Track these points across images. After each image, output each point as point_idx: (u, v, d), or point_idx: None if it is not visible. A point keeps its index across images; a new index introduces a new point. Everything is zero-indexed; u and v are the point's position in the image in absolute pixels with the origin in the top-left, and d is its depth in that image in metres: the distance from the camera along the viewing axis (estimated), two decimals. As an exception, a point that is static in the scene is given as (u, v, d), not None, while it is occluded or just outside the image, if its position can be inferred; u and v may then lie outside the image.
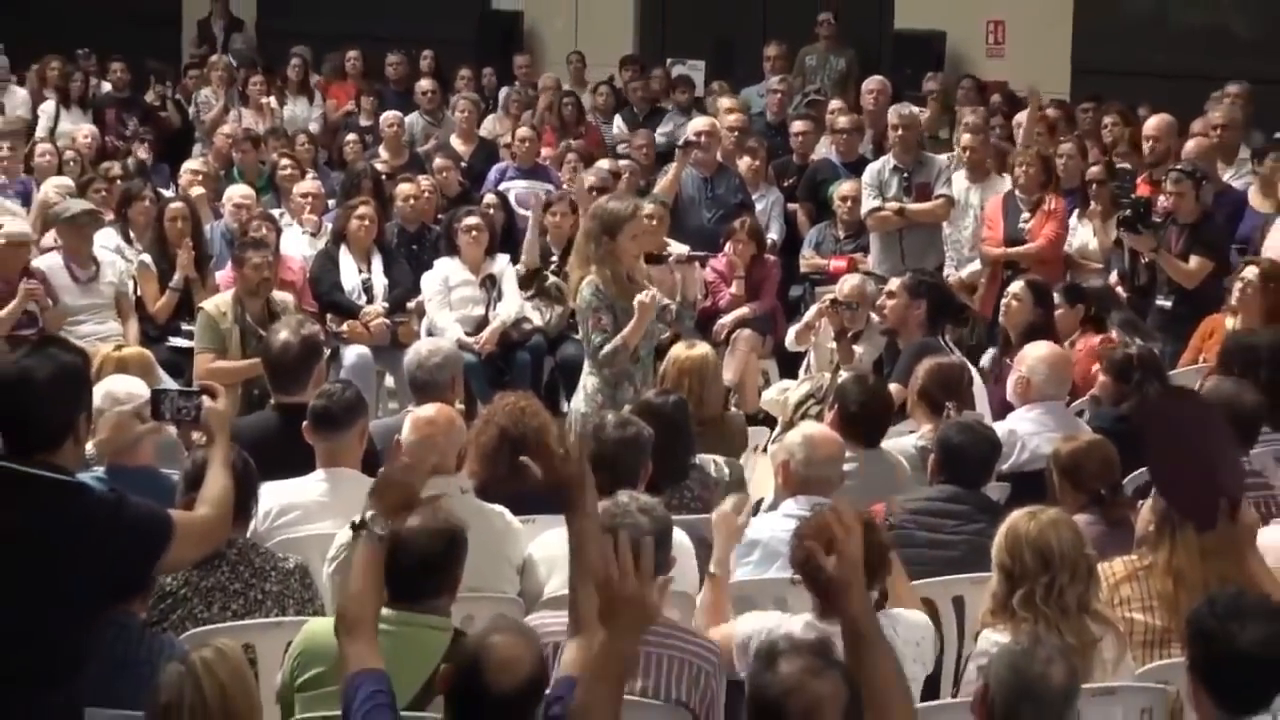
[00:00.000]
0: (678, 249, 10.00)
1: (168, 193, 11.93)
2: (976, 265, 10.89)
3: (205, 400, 5.11)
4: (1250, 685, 4.38)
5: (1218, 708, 4.38)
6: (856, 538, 4.14)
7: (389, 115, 14.34)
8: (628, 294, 8.07)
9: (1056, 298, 8.95)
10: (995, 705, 4.23)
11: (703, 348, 7.81)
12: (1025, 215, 10.52)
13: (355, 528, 4.54)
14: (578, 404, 8.23)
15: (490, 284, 11.00)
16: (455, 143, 14.29)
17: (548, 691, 4.20)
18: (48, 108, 16.07)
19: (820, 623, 5.12)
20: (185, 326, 10.02)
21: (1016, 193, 10.63)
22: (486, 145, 14.38)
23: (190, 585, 5.45)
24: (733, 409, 9.61)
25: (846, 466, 6.52)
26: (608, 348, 7.97)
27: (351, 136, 14.19)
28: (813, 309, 9.73)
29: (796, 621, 5.21)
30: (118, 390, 6.35)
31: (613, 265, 8.15)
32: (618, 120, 15.24)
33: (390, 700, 4.19)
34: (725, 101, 14.01)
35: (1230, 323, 8.81)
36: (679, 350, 7.74)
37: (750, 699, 3.88)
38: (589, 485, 4.55)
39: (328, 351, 8.63)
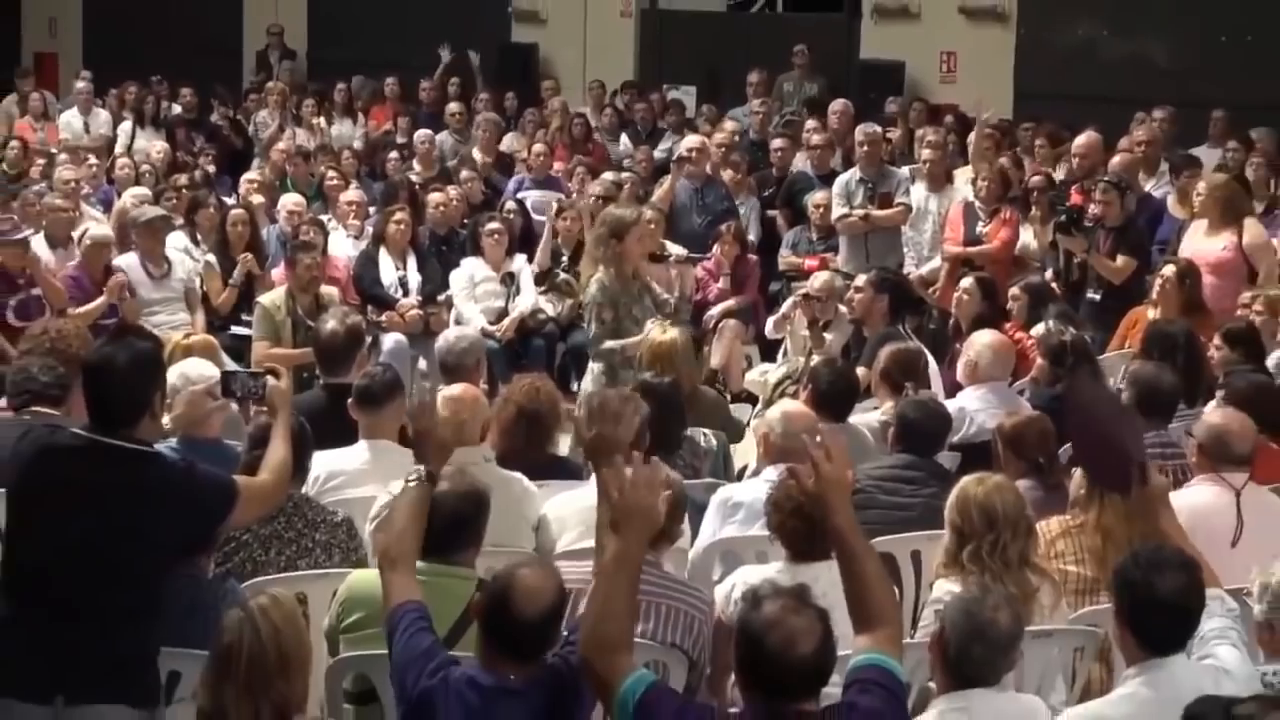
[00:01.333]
0: (676, 251, 10.03)
1: (230, 201, 11.92)
2: (934, 264, 10.91)
3: (269, 380, 5.12)
4: (1168, 628, 4.39)
5: (1140, 647, 4.39)
6: (838, 463, 4.23)
7: (421, 134, 14.34)
8: (631, 290, 8.10)
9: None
10: (949, 645, 4.24)
11: (673, 332, 7.74)
12: (982, 221, 10.53)
13: (408, 481, 4.56)
14: (586, 384, 8.26)
15: (510, 280, 11.02)
16: (477, 156, 14.30)
17: (566, 629, 4.21)
18: (126, 127, 16.07)
19: (793, 566, 5.14)
20: (245, 317, 10.03)
21: (976, 202, 10.65)
22: (505, 159, 14.37)
23: (251, 532, 5.47)
24: (719, 386, 9.67)
25: (819, 438, 6.51)
26: (606, 344, 8.02)
27: (394, 155, 14.16)
28: (789, 301, 9.74)
29: (770, 569, 5.22)
30: (191, 372, 6.35)
31: (619, 265, 8.18)
32: (624, 138, 15.20)
33: (429, 625, 4.21)
34: (730, 125, 14.05)
35: (1151, 314, 8.81)
36: (654, 335, 7.68)
37: (738, 633, 3.93)
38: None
39: (369, 339, 8.64)
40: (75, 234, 10.43)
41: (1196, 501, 5.78)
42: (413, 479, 4.59)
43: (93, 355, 4.76)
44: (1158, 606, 4.35)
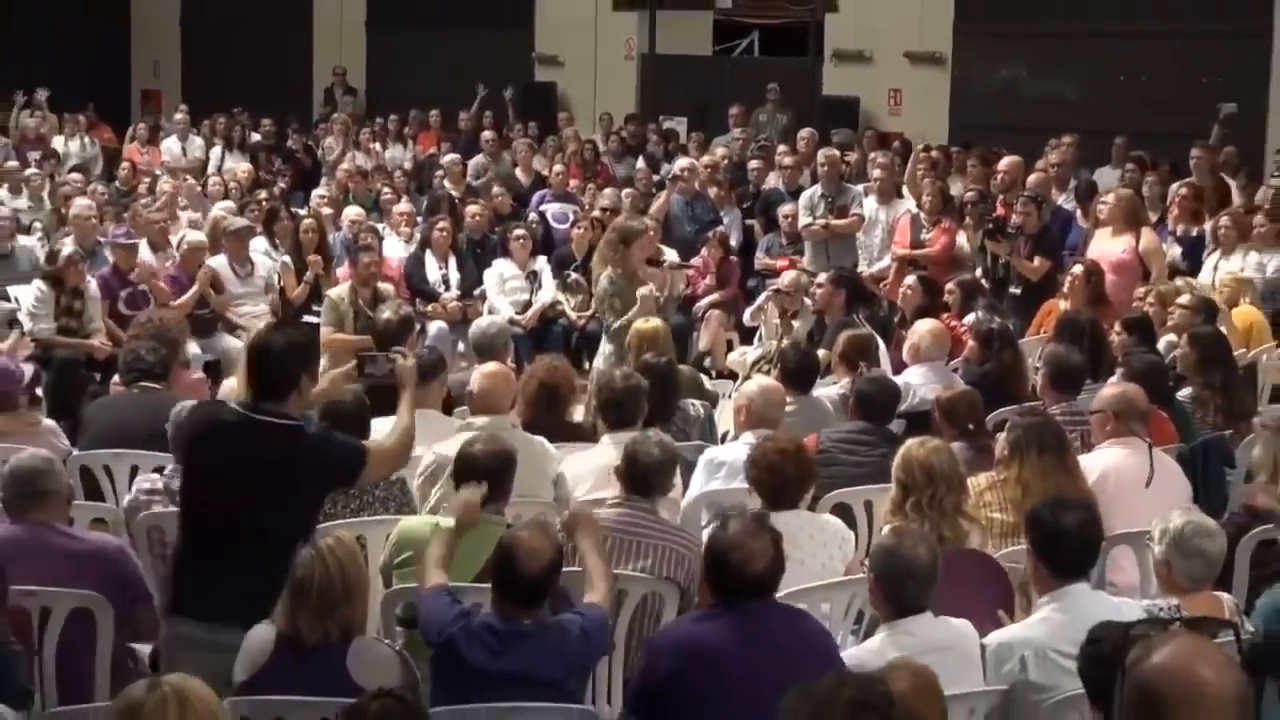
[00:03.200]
0: (671, 256, 10.02)
1: (302, 212, 11.90)
2: (884, 264, 10.88)
3: (399, 359, 5.11)
4: (1072, 553, 4.38)
5: (1050, 575, 4.37)
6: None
7: (449, 158, 14.24)
8: (633, 285, 8.11)
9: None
10: (885, 585, 4.22)
11: (654, 322, 7.66)
12: (926, 229, 10.52)
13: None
14: (597, 364, 8.24)
15: (533, 278, 11.02)
16: (520, 175, 14.27)
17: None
18: (216, 151, 16.06)
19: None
20: (315, 308, 10.01)
21: (921, 214, 10.64)
22: (540, 175, 14.33)
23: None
24: (707, 365, 9.67)
25: (788, 408, 6.51)
26: (616, 324, 8.02)
27: (438, 173, 14.14)
28: (763, 295, 9.73)
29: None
30: None
31: (624, 265, 8.19)
32: (640, 160, 15.08)
33: (453, 598, 4.26)
34: (721, 150, 14.02)
35: (1063, 305, 8.80)
36: (639, 325, 7.60)
37: (706, 549, 4.12)
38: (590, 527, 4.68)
39: (418, 326, 8.64)
40: (174, 239, 10.44)
41: (1109, 460, 5.78)
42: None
43: (256, 340, 4.81)
44: (1063, 535, 4.35)
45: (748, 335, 10.16)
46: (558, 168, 13.66)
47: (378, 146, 16.12)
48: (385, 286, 9.69)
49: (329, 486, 4.72)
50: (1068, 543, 4.36)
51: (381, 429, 6.23)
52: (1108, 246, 9.47)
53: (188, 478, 4.66)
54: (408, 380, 5.05)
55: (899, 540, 4.28)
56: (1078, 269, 8.88)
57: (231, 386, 7.05)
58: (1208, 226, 10.31)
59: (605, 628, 4.33)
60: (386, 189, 13.07)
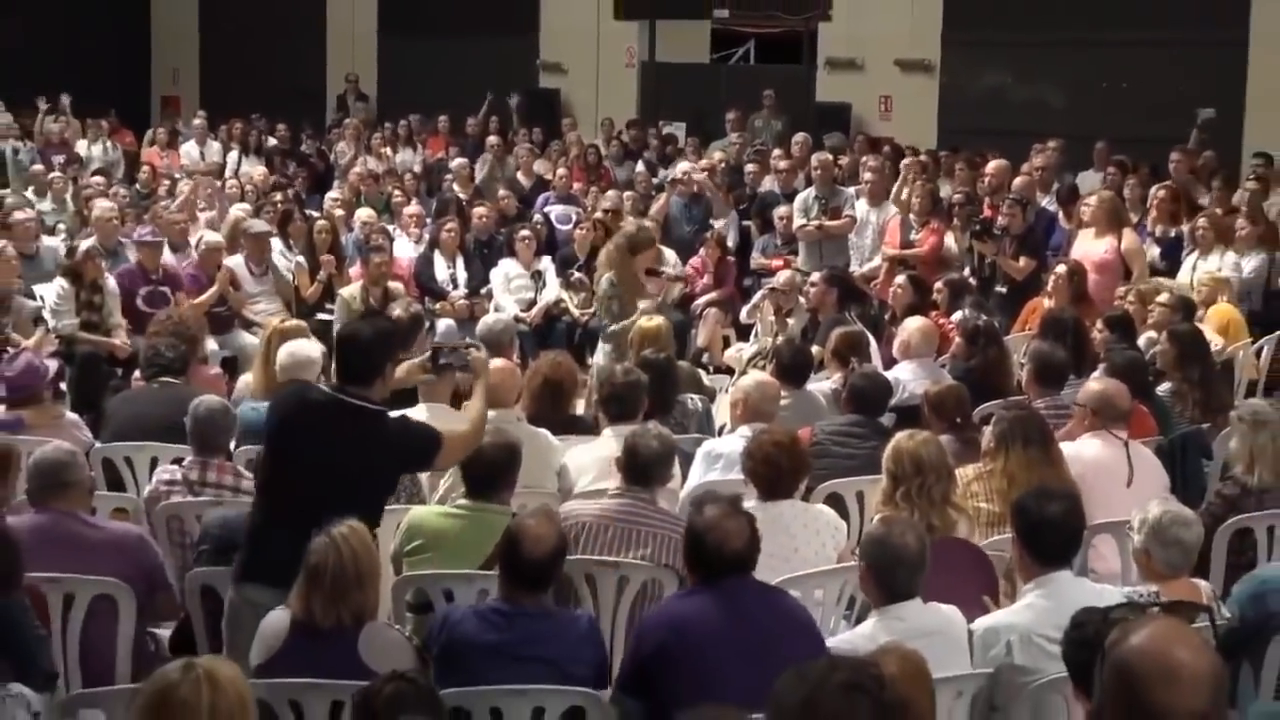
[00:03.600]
0: (670, 259, 10.02)
1: (316, 214, 11.89)
2: (874, 264, 10.88)
3: (472, 351, 5.12)
4: (1055, 542, 4.38)
5: (1034, 563, 4.37)
6: None
7: (457, 162, 14.26)
8: (631, 289, 8.12)
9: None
10: (877, 573, 4.22)
11: (657, 320, 7.65)
12: (915, 230, 10.52)
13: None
14: (598, 360, 8.23)
15: (538, 277, 11.02)
16: (521, 178, 14.28)
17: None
18: (233, 155, 16.05)
19: (762, 504, 5.12)
20: (328, 306, 10.02)
21: (911, 216, 10.64)
22: (541, 180, 14.32)
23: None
24: (705, 361, 9.66)
25: (783, 402, 6.52)
26: (613, 328, 8.03)
27: (447, 176, 14.12)
28: (759, 294, 9.74)
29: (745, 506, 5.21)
30: (297, 350, 6.33)
31: (625, 271, 8.20)
32: (640, 164, 15.03)
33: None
34: (719, 154, 14.01)
35: (1047, 304, 8.79)
36: (641, 323, 7.61)
37: (686, 531, 4.17)
38: None
39: (427, 324, 8.63)
40: (192, 240, 10.44)
41: (1088, 453, 5.77)
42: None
43: (344, 328, 4.86)
44: (1046, 524, 4.35)
45: (744, 332, 10.16)
46: (561, 171, 13.65)
47: (388, 151, 16.10)
48: (396, 285, 9.70)
49: (405, 469, 4.80)
50: (1051, 532, 4.36)
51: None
52: (1090, 247, 9.47)
53: (272, 453, 4.67)
54: (480, 370, 5.07)
55: (889, 529, 4.28)
56: (1061, 269, 8.88)
57: (247, 381, 7.06)
58: (1185, 228, 10.32)
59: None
60: (397, 191, 13.07)
